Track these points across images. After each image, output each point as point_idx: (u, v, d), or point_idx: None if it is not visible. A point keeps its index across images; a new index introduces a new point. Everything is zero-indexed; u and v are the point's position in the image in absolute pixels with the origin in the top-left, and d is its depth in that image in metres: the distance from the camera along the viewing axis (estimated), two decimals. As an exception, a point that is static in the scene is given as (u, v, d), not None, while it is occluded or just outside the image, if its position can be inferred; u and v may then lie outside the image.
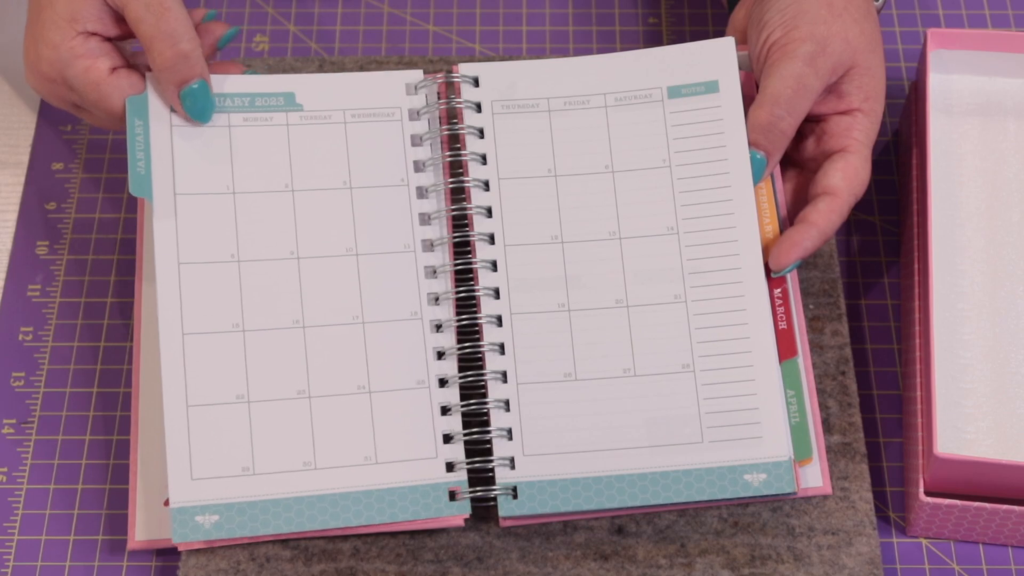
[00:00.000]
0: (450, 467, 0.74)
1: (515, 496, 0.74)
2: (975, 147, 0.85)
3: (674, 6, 0.97)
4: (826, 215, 0.77)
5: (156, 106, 0.79)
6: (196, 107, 0.78)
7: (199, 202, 0.77)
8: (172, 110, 0.79)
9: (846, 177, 0.77)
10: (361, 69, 0.90)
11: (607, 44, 0.95)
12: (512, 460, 0.74)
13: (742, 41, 0.83)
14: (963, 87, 0.87)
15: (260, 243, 0.77)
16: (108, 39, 0.80)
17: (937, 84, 0.86)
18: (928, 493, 0.76)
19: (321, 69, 0.90)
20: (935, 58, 0.86)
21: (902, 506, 0.79)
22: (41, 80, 0.80)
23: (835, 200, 0.77)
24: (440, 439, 0.75)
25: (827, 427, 0.79)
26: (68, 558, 0.77)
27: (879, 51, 0.79)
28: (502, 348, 0.76)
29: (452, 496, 0.74)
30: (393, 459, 0.74)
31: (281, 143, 0.79)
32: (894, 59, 0.94)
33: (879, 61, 0.79)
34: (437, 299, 0.77)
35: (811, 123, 0.80)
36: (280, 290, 0.76)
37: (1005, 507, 0.75)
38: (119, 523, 0.78)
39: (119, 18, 0.79)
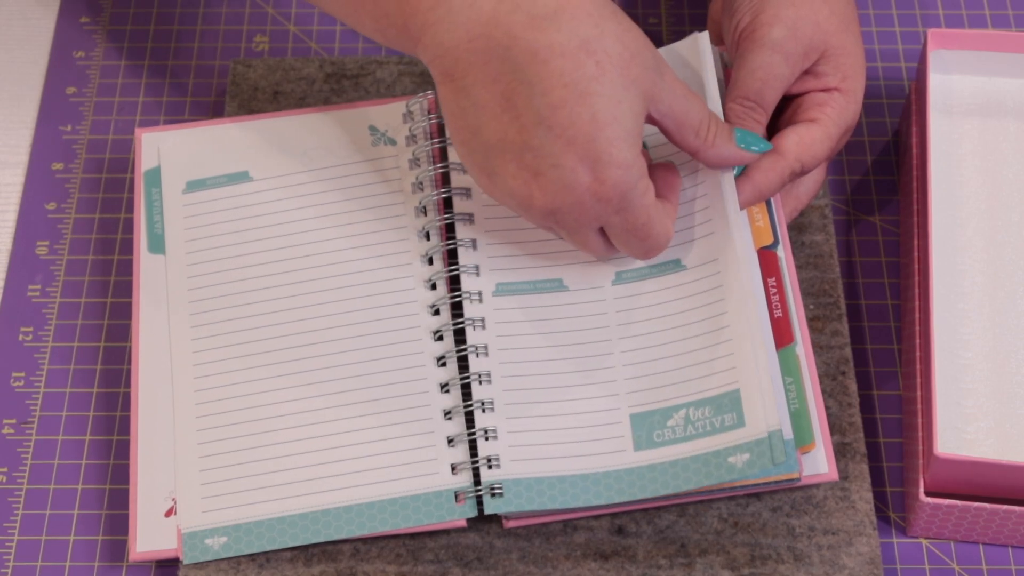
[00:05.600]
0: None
1: (501, 495, 0.74)
2: (975, 147, 0.85)
3: (674, 6, 0.96)
4: (764, 172, 0.75)
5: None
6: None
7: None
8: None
9: (800, 143, 0.76)
10: (361, 69, 0.91)
11: (607, 44, 0.95)
12: (497, 458, 0.74)
13: (719, 33, 0.82)
14: (963, 87, 0.87)
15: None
16: None
17: (937, 84, 0.86)
18: (928, 493, 0.76)
19: (321, 69, 0.90)
20: (935, 58, 0.86)
21: (902, 506, 0.79)
22: (578, 208, 0.69)
23: (779, 161, 0.76)
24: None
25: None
26: (68, 558, 0.77)
27: (853, 28, 0.78)
28: (487, 349, 0.76)
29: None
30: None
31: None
32: (894, 59, 0.94)
33: (855, 39, 0.78)
34: (436, 310, 0.78)
35: (789, 100, 0.79)
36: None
37: (1005, 507, 0.75)
38: (119, 523, 0.78)
39: None
